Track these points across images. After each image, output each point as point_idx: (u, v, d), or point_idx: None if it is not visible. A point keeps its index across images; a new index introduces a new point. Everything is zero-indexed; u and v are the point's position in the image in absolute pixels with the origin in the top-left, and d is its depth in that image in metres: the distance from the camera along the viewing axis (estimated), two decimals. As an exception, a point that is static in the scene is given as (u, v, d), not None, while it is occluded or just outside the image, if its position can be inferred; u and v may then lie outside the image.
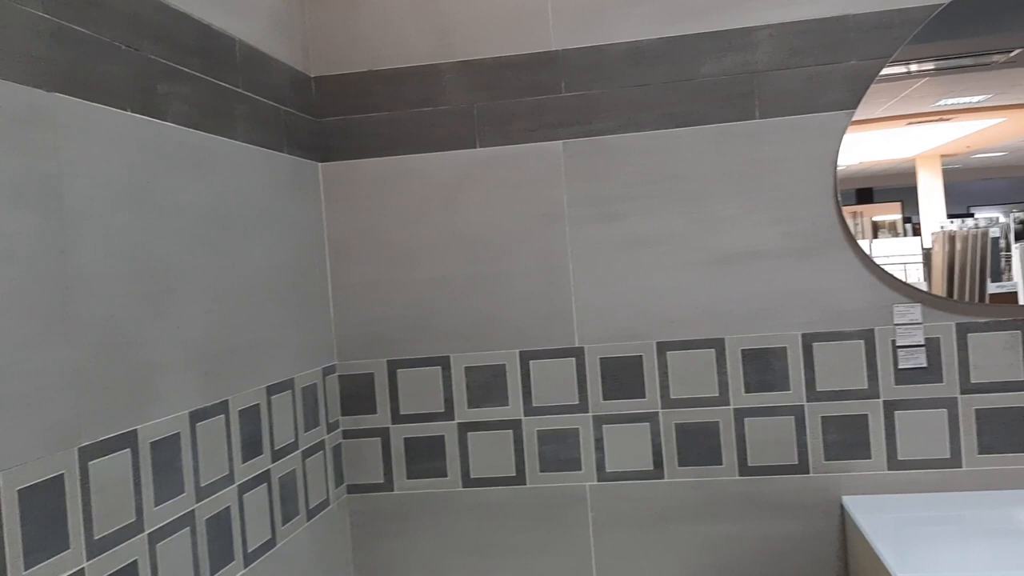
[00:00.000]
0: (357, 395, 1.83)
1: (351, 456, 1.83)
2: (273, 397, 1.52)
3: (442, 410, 1.81)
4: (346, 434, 1.83)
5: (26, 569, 0.92)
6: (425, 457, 1.81)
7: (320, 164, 1.83)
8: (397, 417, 1.82)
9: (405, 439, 1.82)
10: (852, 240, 1.68)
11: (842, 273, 1.68)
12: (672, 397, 1.74)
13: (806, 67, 1.68)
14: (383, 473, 1.82)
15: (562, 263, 1.77)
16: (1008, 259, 1.62)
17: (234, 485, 1.37)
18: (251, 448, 1.43)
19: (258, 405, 1.46)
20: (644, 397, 1.75)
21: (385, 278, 1.82)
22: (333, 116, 1.83)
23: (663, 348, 1.74)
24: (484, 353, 1.80)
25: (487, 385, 1.79)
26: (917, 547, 1.39)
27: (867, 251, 1.67)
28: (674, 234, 1.73)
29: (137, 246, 1.16)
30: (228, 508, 1.34)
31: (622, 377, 1.75)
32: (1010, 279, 1.62)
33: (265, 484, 1.47)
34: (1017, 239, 1.62)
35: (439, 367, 1.81)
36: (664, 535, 1.74)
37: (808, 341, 1.70)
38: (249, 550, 1.39)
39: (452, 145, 1.79)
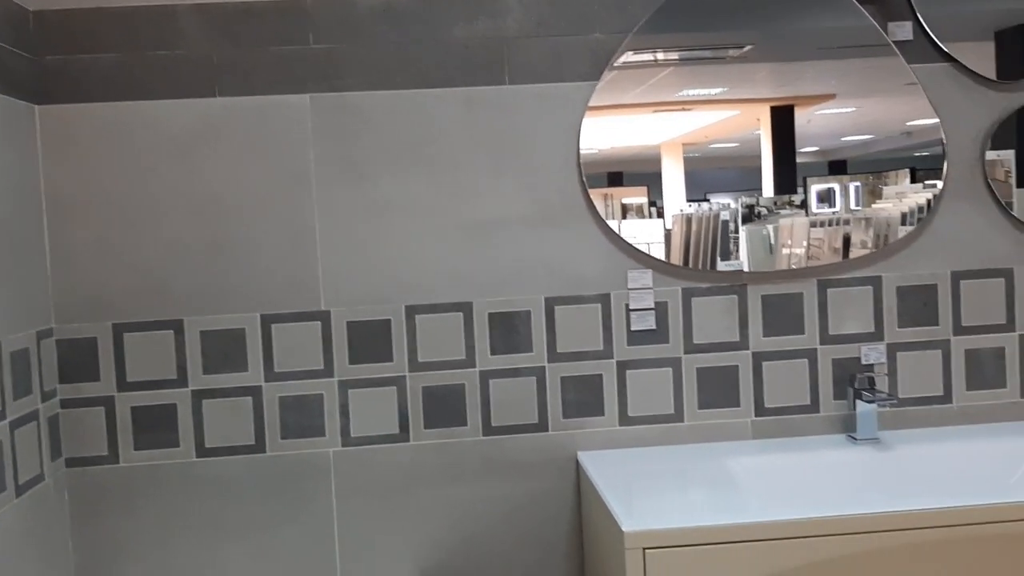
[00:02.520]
0: (78, 361, 1.67)
1: (70, 427, 1.68)
2: (-28, 362, 1.36)
3: (174, 377, 1.70)
4: (64, 403, 1.67)
5: None
6: (155, 427, 1.69)
7: (37, 107, 1.65)
8: (123, 384, 1.69)
9: (132, 408, 1.69)
10: (593, 209, 1.74)
11: (583, 241, 1.75)
12: (420, 360, 1.74)
13: (553, 36, 1.72)
14: (107, 445, 1.69)
15: (308, 225, 1.71)
16: (736, 240, 1.76)
17: (-81, 459, 1.21)
18: (-58, 418, 1.27)
19: (-48, 370, 1.30)
20: (391, 361, 1.73)
21: (113, 237, 1.67)
22: (55, 55, 1.66)
23: (411, 312, 1.73)
24: (221, 316, 1.70)
25: (224, 350, 1.70)
26: (643, 497, 1.48)
27: (616, 230, 1.74)
28: (424, 199, 1.72)
29: None
30: (-89, 485, 1.18)
31: (369, 341, 1.73)
32: (738, 259, 1.75)
33: (-40, 458, 1.31)
34: (744, 222, 1.75)
35: (171, 331, 1.69)
36: (409, 498, 1.74)
37: (551, 305, 1.75)
38: (-62, 532, 1.24)
39: (189, 93, 1.68)
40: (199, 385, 1.70)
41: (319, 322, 1.72)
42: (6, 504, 1.43)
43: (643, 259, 1.75)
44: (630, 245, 1.74)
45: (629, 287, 1.75)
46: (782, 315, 1.78)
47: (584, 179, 1.73)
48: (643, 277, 1.75)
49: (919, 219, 1.78)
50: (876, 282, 1.79)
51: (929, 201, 1.78)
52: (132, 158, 1.67)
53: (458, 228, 1.73)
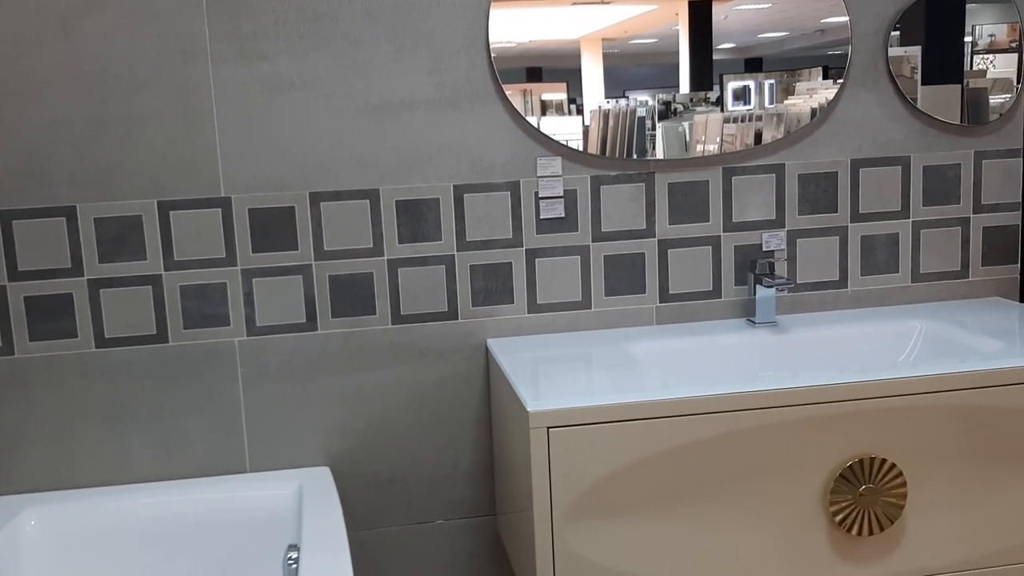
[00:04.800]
0: (-38, 250, 1.60)
1: (-43, 318, 1.61)
2: None
3: (69, 265, 1.64)
4: (-51, 294, 1.60)
5: None
6: (51, 317, 1.64)
7: (-101, -26, 1.52)
8: (15, 274, 1.62)
9: (25, 298, 1.63)
10: (502, 93, 1.71)
11: (493, 126, 1.72)
12: (326, 249, 1.71)
13: (460, -89, 1.65)
14: (0, 336, 1.63)
15: (204, 106, 1.64)
16: (653, 137, 1.75)
17: None
18: None
19: None
20: (296, 249, 1.70)
21: (-8, 116, 1.57)
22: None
23: (316, 199, 1.69)
24: (116, 203, 1.63)
25: (121, 238, 1.64)
26: (549, 380, 1.50)
27: (535, 125, 1.71)
28: (325, 79, 1.66)
29: None
30: None
31: (273, 229, 1.69)
32: (654, 155, 1.75)
33: None
34: (661, 119, 1.75)
35: (63, 218, 1.62)
36: (317, 387, 1.73)
37: (459, 192, 1.73)
38: None
39: (70, -38, 1.57)
40: (95, 274, 1.64)
41: (219, 209, 1.67)
42: None
43: (553, 147, 1.74)
44: (540, 132, 1.72)
45: (539, 175, 1.74)
46: (688, 203, 1.80)
47: (493, 60, 1.69)
48: (552, 165, 1.74)
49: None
50: (779, 170, 1.82)
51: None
52: (11, 32, 1.56)
53: (362, 111, 1.68)
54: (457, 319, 1.76)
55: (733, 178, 1.80)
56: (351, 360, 1.74)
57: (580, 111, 1.74)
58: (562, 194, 1.75)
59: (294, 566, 1.48)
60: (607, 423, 1.37)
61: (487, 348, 1.76)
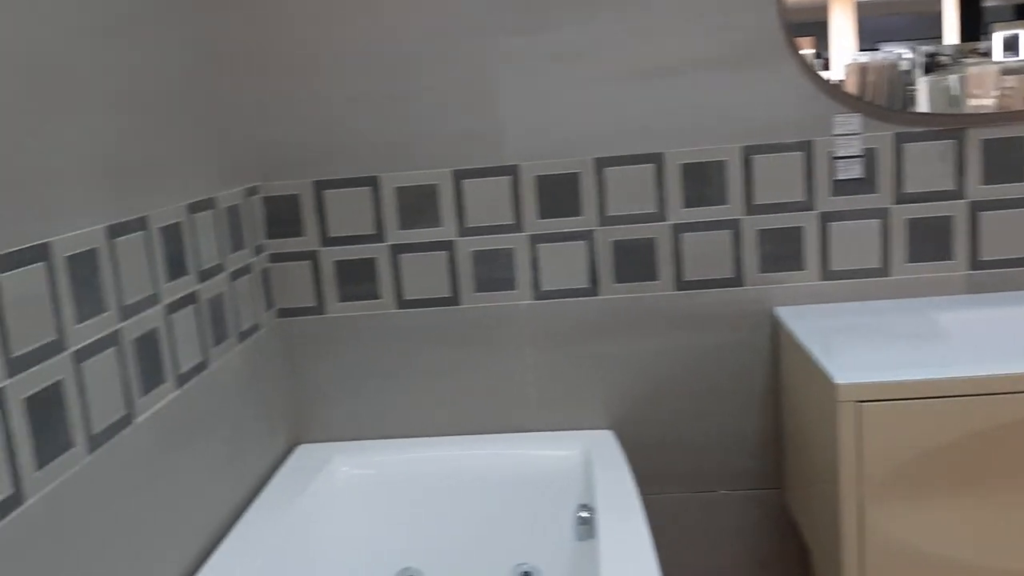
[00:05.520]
0: (283, 217, 1.74)
1: (280, 280, 1.77)
2: (195, 216, 1.43)
3: (373, 232, 1.74)
4: (274, 257, 1.76)
5: (-60, 386, 0.86)
6: (357, 280, 1.76)
7: (229, -34, 1.67)
8: (326, 239, 1.75)
9: (335, 262, 1.76)
10: (794, 48, 1.63)
11: (782, 83, 1.64)
12: (609, 214, 1.71)
13: None
14: (314, 296, 1.77)
15: (492, 76, 1.68)
16: (913, 93, 1.61)
17: (160, 305, 1.30)
18: (175, 268, 1.35)
19: (179, 223, 1.38)
20: (581, 215, 1.71)
21: (303, 93, 1.70)
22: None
23: (600, 164, 1.70)
24: (415, 172, 1.72)
25: (419, 206, 1.73)
26: (850, 351, 1.43)
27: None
28: (609, 44, 1.65)
29: (17, 39, 1.04)
30: (156, 329, 1.28)
31: (558, 195, 1.71)
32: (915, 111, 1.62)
33: (193, 306, 1.40)
34: (925, 73, 1.60)
35: (368, 187, 1.73)
36: (599, 351, 1.75)
37: (748, 154, 1.67)
38: (180, 371, 1.34)
39: (375, -57, 1.65)
40: (396, 240, 1.74)
41: (508, 177, 1.71)
42: (231, 350, 1.54)
43: (851, 103, 1.63)
44: (836, 88, 1.62)
45: (835, 133, 1.64)
46: (1005, 162, 1.63)
47: (784, 14, 1.61)
48: (851, 122, 1.63)
49: None
50: (1120, 121, 1.61)
51: None
52: (319, 9, 1.68)
53: (646, 74, 1.66)
54: (743, 285, 1.71)
55: (1061, 132, 1.62)
56: (633, 326, 1.74)
57: (827, 66, 1.61)
58: (861, 153, 1.64)
59: (587, 525, 1.51)
60: (920, 399, 1.27)
61: (774, 316, 1.70)
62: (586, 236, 1.72)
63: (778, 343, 1.70)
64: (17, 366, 0.97)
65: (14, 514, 0.95)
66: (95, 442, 1.11)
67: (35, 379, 1.00)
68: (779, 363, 1.71)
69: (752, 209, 1.69)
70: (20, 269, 0.99)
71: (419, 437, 1.80)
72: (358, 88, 1.69)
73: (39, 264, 1.02)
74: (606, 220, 1.71)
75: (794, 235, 1.68)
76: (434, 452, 1.74)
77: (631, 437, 1.76)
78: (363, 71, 1.69)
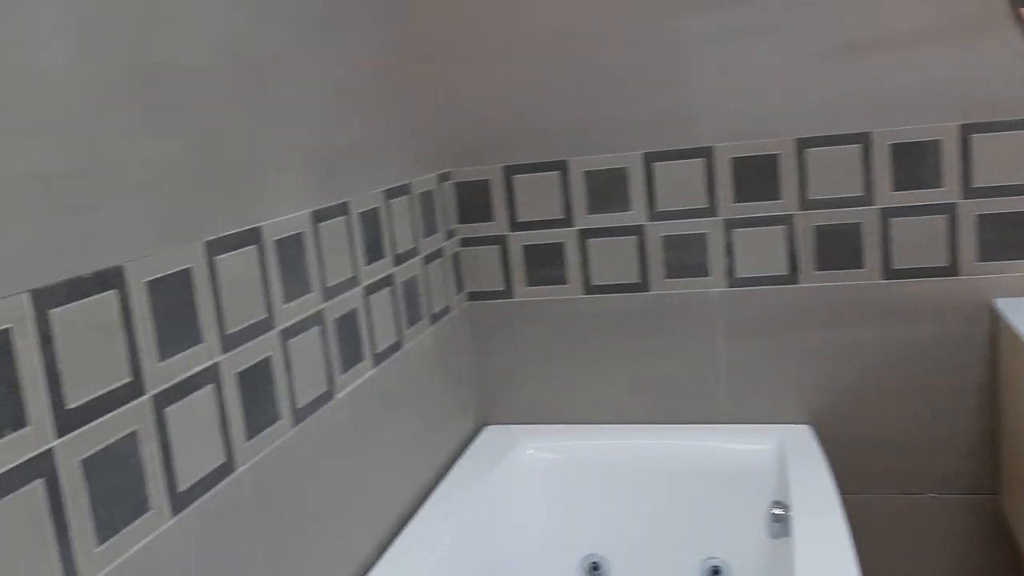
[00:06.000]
0: (473, 202, 1.77)
1: (470, 264, 1.79)
2: (391, 201, 1.48)
3: (561, 216, 1.74)
4: (464, 241, 1.79)
5: (160, 360, 0.92)
6: (545, 264, 1.76)
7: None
8: (515, 224, 1.76)
9: (524, 246, 1.77)
10: (1018, 17, 1.48)
11: (1006, 55, 1.50)
12: (810, 198, 1.62)
13: None
14: (503, 280, 1.79)
15: (684, 54, 1.63)
16: None
17: (359, 287, 1.34)
18: (373, 251, 1.40)
19: (377, 209, 1.42)
20: (780, 199, 1.64)
21: (492, 79, 1.71)
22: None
23: (801, 145, 1.61)
24: (603, 156, 1.70)
25: (607, 190, 1.71)
26: (1086, 349, 1.29)
27: None
28: (809, 16, 1.56)
29: (235, 35, 1.10)
30: (355, 310, 1.33)
31: (755, 177, 1.64)
32: None
33: (389, 288, 1.44)
34: None
35: (557, 172, 1.73)
36: (796, 342, 1.67)
37: (966, 133, 1.54)
38: (377, 351, 1.39)
39: (569, -75, 1.63)
40: (584, 225, 1.73)
41: (702, 159, 1.66)
42: (423, 331, 1.58)
43: (1091, 72, 1.47)
44: (1074, 57, 1.46)
45: (1071, 107, 1.48)
46: None
47: (1016, -20, 1.47)
48: (1091, 94, 1.47)
49: None
50: None
51: None
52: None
53: (851, 47, 1.55)
54: (958, 275, 1.58)
55: None
56: (834, 316, 1.64)
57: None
58: (1102, 130, 1.48)
59: (781, 523, 1.44)
60: None
61: (994, 309, 1.56)
62: (785, 221, 1.64)
63: (997, 337, 1.56)
64: (230, 342, 1.03)
65: (226, 481, 1.01)
66: (299, 416, 1.16)
67: (246, 355, 1.06)
68: (998, 359, 1.57)
69: (970, 192, 1.55)
70: (234, 252, 1.05)
71: (604, 424, 1.78)
72: (547, 72, 1.69)
73: (251, 247, 1.08)
74: (807, 204, 1.63)
75: (1019, 221, 1.54)
76: (621, 439, 1.72)
77: (831, 433, 1.67)
78: (552, 55, 1.68)
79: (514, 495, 1.66)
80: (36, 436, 0.76)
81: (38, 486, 0.76)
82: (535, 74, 1.69)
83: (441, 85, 1.73)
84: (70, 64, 0.83)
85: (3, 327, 0.74)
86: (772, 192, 1.64)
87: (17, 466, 0.74)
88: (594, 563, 1.68)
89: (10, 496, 0.73)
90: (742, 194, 1.65)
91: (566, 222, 1.74)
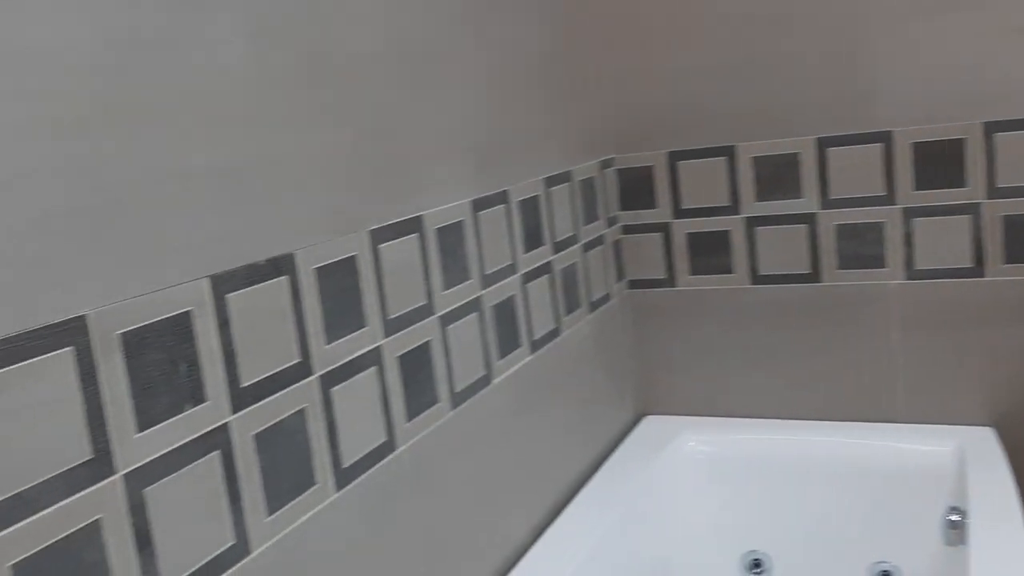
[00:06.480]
0: (636, 189, 1.75)
1: (631, 251, 1.78)
2: (551, 189, 1.48)
3: (727, 203, 1.69)
4: (626, 229, 1.78)
5: (327, 343, 0.97)
6: (709, 253, 1.72)
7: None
8: (679, 211, 1.73)
9: (687, 234, 1.73)
10: None
11: None
12: (999, 186, 1.51)
13: None
14: (665, 269, 1.76)
15: (861, 37, 1.54)
16: None
17: (517, 275, 1.36)
18: (532, 239, 1.41)
19: (537, 197, 1.43)
20: (965, 186, 1.53)
21: (657, 64, 1.68)
22: None
23: (990, 129, 1.50)
24: (774, 141, 1.64)
25: (777, 176, 1.65)
26: None
27: None
28: (1009, -11, 1.45)
29: (399, 26, 1.13)
30: (512, 297, 1.35)
31: (938, 164, 1.54)
32: None
33: (547, 276, 1.46)
34: None
35: (723, 158, 1.68)
36: (981, 339, 1.55)
37: None
38: (534, 338, 1.41)
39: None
40: (752, 212, 1.68)
41: (880, 144, 1.57)
42: (582, 319, 1.58)
43: None
44: None
45: None
46: None
47: None
48: None
49: None
50: None
51: None
52: (682, -18, 1.65)
53: (1057, 23, 1.43)
54: None
55: None
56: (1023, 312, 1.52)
57: None
58: None
59: (958, 530, 1.36)
60: None
61: None
62: (971, 210, 1.53)
63: None
64: (392, 327, 1.07)
65: (387, 459, 1.05)
66: (457, 399, 1.19)
67: (407, 339, 1.10)
68: None
69: None
70: (397, 240, 1.09)
71: (768, 418, 1.73)
72: (715, 55, 1.64)
73: (413, 235, 1.12)
74: (995, 192, 1.51)
75: None
76: (787, 435, 1.67)
77: (1015, 436, 1.55)
78: (720, 37, 1.63)
79: (673, 487, 1.64)
80: (213, 411, 0.82)
81: (215, 458, 0.82)
82: (703, 56, 1.65)
83: (605, 70, 1.72)
84: (246, 63, 0.88)
85: (185, 310, 0.80)
86: (957, 179, 1.53)
87: (196, 438, 0.80)
88: (756, 560, 1.64)
89: (190, 466, 0.80)
90: (923, 181, 1.55)
91: (732, 209, 1.69)
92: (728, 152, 1.67)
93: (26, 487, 0.66)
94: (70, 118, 0.71)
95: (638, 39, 1.69)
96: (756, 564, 1.64)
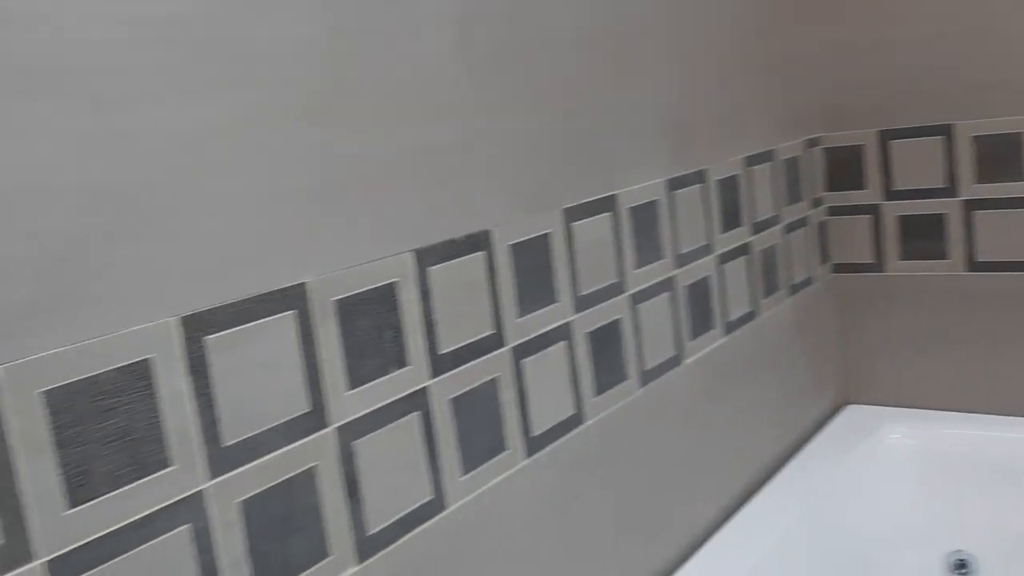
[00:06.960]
0: (844, 169, 1.69)
1: (837, 234, 1.72)
2: (752, 168, 1.46)
3: (943, 185, 1.60)
4: (832, 211, 1.72)
5: (519, 316, 1.01)
6: (922, 237, 1.64)
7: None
8: (889, 193, 1.66)
9: (898, 217, 1.65)
10: None
11: None
12: None
13: None
14: (873, 253, 1.69)
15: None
16: None
17: (713, 255, 1.36)
18: (729, 220, 1.40)
19: (736, 176, 1.42)
20: None
21: (867, 36, 1.61)
22: None
23: None
24: (997, 120, 1.53)
25: (1001, 156, 1.54)
26: None
27: None
28: None
29: (593, 5, 1.15)
30: (707, 277, 1.34)
31: None
32: None
33: (744, 257, 1.44)
34: None
35: (940, 136, 1.59)
36: None
37: None
38: (728, 319, 1.40)
39: None
40: (971, 195, 1.58)
41: (1123, 120, 1.43)
42: (781, 302, 1.55)
43: None
44: None
45: None
46: None
47: None
48: None
49: None
50: None
51: None
52: (900, -49, 1.57)
53: None
54: None
55: None
56: None
57: None
58: None
59: None
60: None
61: None
62: None
63: None
64: (583, 304, 1.10)
65: (575, 431, 1.09)
66: (646, 377, 1.21)
67: (597, 316, 1.13)
68: None
69: None
70: (590, 218, 1.12)
71: (980, 413, 1.62)
72: (931, 28, 1.55)
73: (606, 214, 1.14)
74: None
75: None
76: (998, 431, 1.56)
77: None
78: (937, 8, 1.54)
79: (873, 480, 1.58)
80: (415, 375, 0.89)
81: (415, 417, 0.89)
82: (918, 26, 1.57)
83: (811, 44, 1.66)
84: (451, 48, 0.94)
85: (391, 281, 0.87)
86: None
87: (400, 399, 0.87)
88: (960, 560, 1.55)
89: (394, 423, 0.87)
90: None
91: (949, 191, 1.60)
92: (945, 131, 1.58)
93: (254, 433, 0.75)
94: (304, 105, 0.79)
95: (847, 9, 1.62)
96: (961, 564, 1.55)
